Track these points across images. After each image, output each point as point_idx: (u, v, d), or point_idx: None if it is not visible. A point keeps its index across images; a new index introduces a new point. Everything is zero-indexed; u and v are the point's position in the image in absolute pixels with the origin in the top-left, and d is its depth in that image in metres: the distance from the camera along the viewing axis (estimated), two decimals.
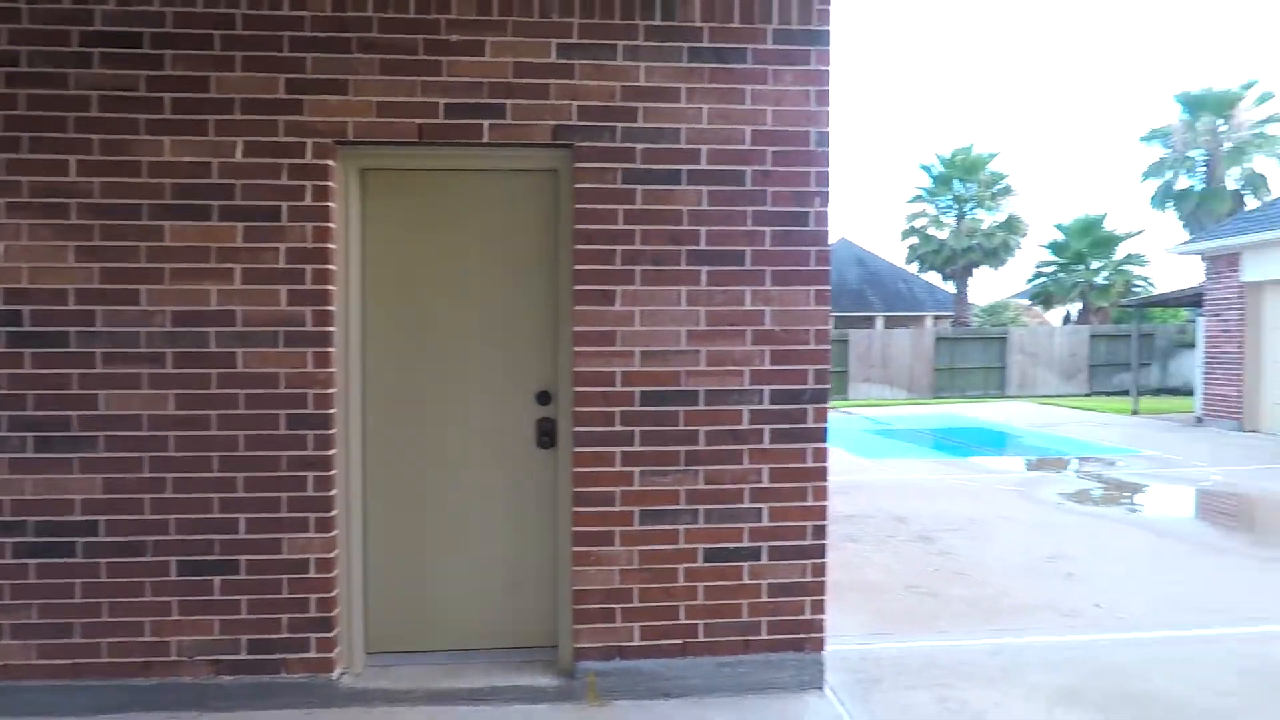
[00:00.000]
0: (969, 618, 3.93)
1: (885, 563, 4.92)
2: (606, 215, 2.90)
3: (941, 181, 24.27)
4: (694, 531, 2.99)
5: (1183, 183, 24.04)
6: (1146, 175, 24.50)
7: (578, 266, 2.90)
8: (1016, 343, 20.72)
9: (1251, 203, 21.55)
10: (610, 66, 2.88)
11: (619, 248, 2.91)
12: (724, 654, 3.03)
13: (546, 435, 3.09)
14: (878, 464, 8.88)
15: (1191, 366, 14.45)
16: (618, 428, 2.93)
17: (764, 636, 3.05)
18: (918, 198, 25.21)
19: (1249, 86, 22.58)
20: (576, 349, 2.92)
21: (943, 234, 24.23)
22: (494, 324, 3.11)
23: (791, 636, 3.07)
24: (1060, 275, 24.13)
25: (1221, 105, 22.70)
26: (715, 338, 2.95)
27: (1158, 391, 19.03)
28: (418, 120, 2.85)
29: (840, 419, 14.23)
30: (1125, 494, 7.18)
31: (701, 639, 3.02)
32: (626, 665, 2.98)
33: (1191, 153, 23.52)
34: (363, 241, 3.04)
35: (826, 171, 2.95)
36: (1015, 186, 24.12)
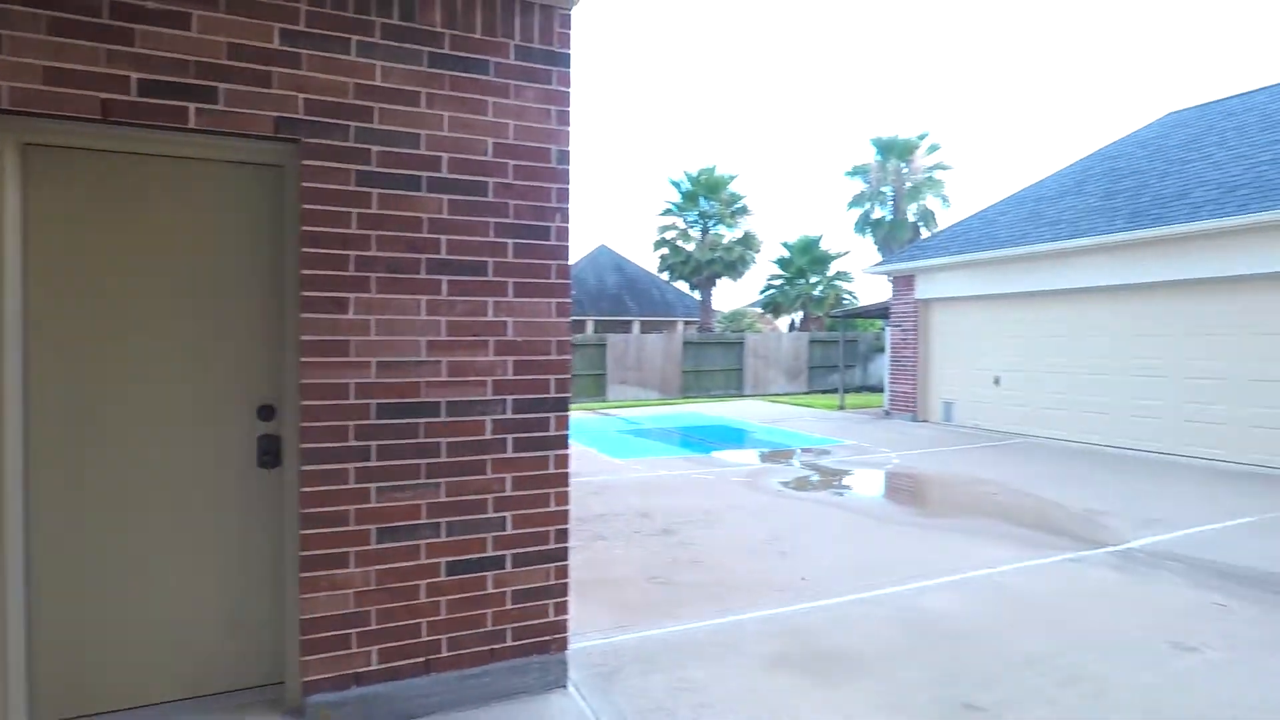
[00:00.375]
0: (701, 602, 4.32)
1: (630, 557, 5.22)
2: (338, 218, 2.74)
3: (689, 198, 26.37)
4: (436, 545, 2.94)
5: (877, 213, 28.62)
6: (850, 205, 28.84)
7: (305, 271, 2.71)
8: (751, 347, 23.13)
9: (924, 234, 26.34)
10: (342, 61, 2.73)
11: (352, 253, 2.76)
12: (469, 666, 3.02)
13: (269, 454, 2.83)
14: (628, 463, 9.37)
15: (882, 368, 17.28)
16: (352, 443, 2.78)
17: (510, 643, 3.09)
18: (668, 211, 27.10)
19: (923, 137, 27.58)
20: (305, 360, 2.71)
21: (690, 246, 26.30)
22: (206, 331, 2.78)
23: (537, 640, 3.14)
24: (786, 287, 27.47)
25: (904, 151, 27.45)
26: (457, 348, 2.92)
27: (860, 389, 22.42)
28: (102, 94, 2.46)
29: (597, 420, 14.79)
30: (831, 479, 8.37)
31: (446, 654, 2.98)
32: (364, 692, 2.84)
33: (884, 188, 28.09)
34: (24, 227, 2.55)
35: (567, 189, 3.07)
36: (752, 206, 27.23)
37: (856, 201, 28.73)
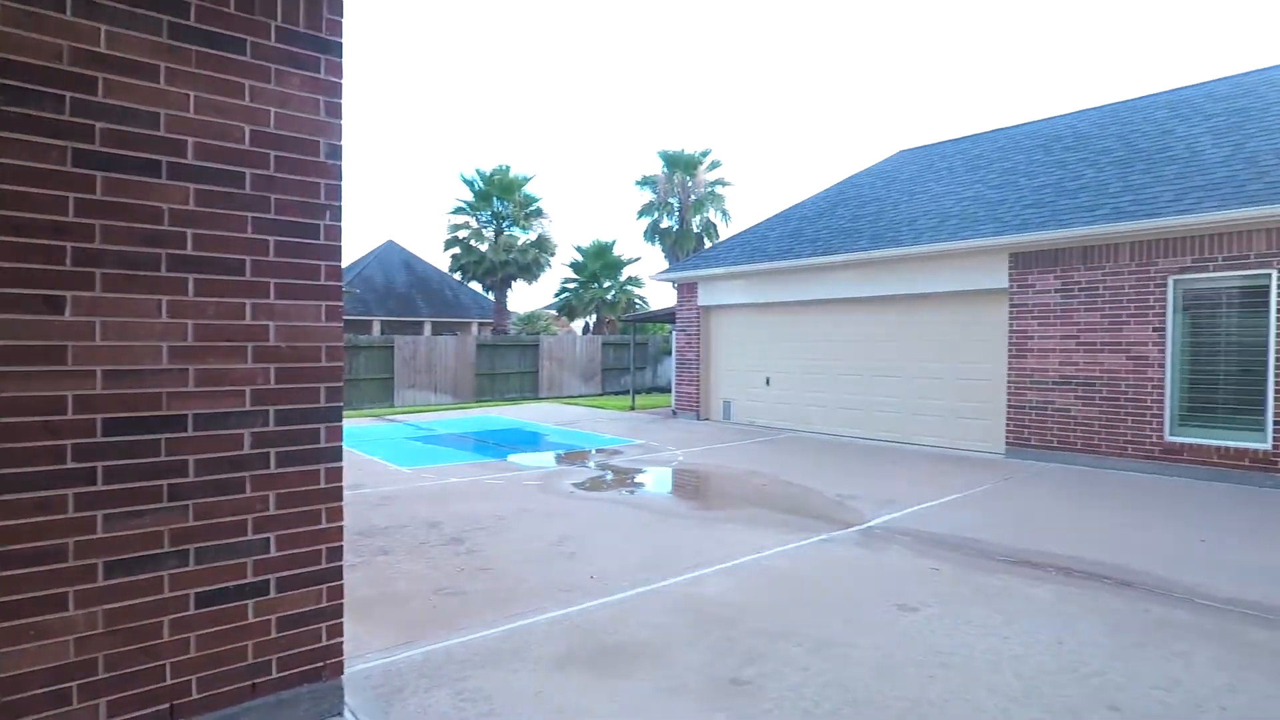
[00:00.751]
0: (489, 610, 4.28)
1: (416, 570, 5.02)
2: (50, 203, 2.34)
3: (482, 197, 25.89)
4: (183, 575, 2.62)
5: (665, 223, 30.19)
6: (640, 214, 30.12)
7: (2, 264, 2.28)
8: (547, 350, 23.26)
9: (708, 244, 28.23)
10: (52, 19, 2.34)
11: (70, 244, 2.38)
12: (227, 706, 2.72)
13: None
14: (417, 472, 9.00)
15: (670, 370, 18.26)
16: (70, 465, 2.39)
17: (275, 675, 2.84)
18: (460, 209, 26.38)
19: (705, 154, 29.57)
20: (1, 369, 2.28)
21: (483, 247, 25.81)
22: None
23: (308, 668, 2.92)
24: (580, 291, 27.99)
25: (689, 165, 29.24)
26: (208, 355, 2.63)
27: (650, 390, 23.46)
28: None
29: (384, 427, 14.00)
30: (622, 478, 8.68)
31: (195, 696, 2.66)
32: None
33: (670, 199, 29.68)
34: None
35: (339, 185, 2.90)
36: (547, 209, 27.35)
37: (646, 211, 30.07)
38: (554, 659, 3.60)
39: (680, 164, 29.15)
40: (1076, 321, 8.98)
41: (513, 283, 26.53)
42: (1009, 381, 9.64)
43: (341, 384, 2.93)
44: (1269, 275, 7.57)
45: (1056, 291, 9.14)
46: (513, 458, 10.21)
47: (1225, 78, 11.71)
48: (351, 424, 14.28)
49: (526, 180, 26.13)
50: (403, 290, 38.22)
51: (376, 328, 39.48)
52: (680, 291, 14.90)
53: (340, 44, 2.88)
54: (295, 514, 2.84)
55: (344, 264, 3.24)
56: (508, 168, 25.66)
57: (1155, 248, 8.31)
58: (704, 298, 14.25)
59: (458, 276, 27.42)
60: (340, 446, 2.97)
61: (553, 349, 23.47)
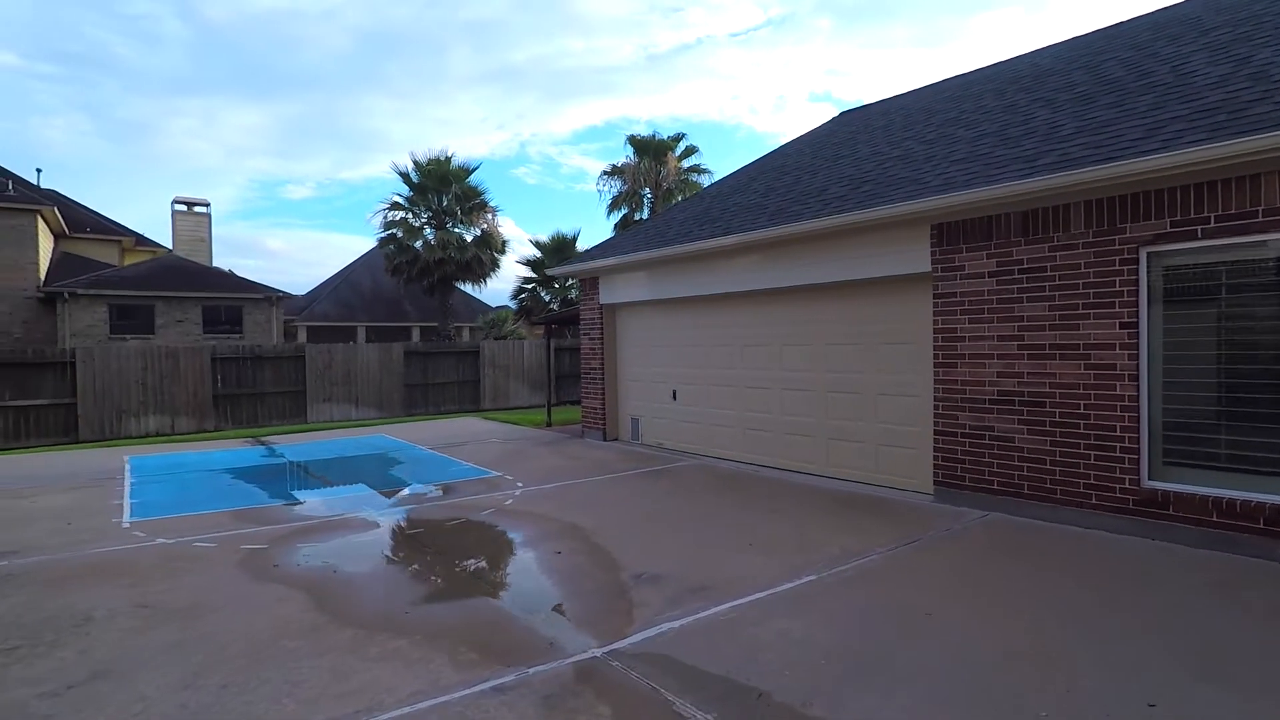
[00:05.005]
0: None
1: None
2: None
3: (419, 190, 23.63)
4: None
5: (639, 215, 27.78)
6: (610, 208, 27.75)
7: None
8: (489, 356, 21.06)
9: None
10: None
11: None
12: None
13: None
14: (150, 524, 6.90)
15: None
16: None
17: None
18: (396, 204, 24.20)
19: (678, 138, 27.12)
20: None
21: (418, 244, 23.57)
22: None
23: None
24: (539, 291, 25.70)
25: (659, 151, 26.78)
26: None
27: (579, 401, 21.08)
28: None
29: (218, 454, 11.87)
30: (380, 541, 6.41)
31: None
32: None
33: (642, 190, 27.27)
34: None
35: None
36: (501, 204, 25.07)
37: (617, 204, 27.70)
38: None
39: (650, 150, 26.74)
40: (1019, 316, 6.45)
41: (454, 284, 24.26)
42: (935, 398, 7.13)
43: None
44: None
45: (991, 275, 6.62)
46: (300, 503, 7.98)
47: None
48: (174, 449, 12.23)
49: (470, 170, 23.85)
50: (390, 295, 36.45)
51: (362, 334, 37.88)
52: (582, 288, 12.57)
53: None
54: None
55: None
56: (448, 156, 23.35)
57: (1119, 208, 5.76)
58: (605, 295, 11.89)
59: (391, 277, 25.19)
60: None
61: (496, 355, 21.26)
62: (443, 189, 22.95)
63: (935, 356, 7.09)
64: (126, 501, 8.13)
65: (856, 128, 11.48)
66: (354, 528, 6.83)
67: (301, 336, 33.37)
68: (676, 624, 4.25)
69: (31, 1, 69.33)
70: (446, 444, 12.35)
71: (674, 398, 10.85)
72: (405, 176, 23.27)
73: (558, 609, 4.64)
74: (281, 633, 4.32)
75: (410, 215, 23.55)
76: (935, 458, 7.14)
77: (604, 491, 8.23)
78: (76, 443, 15.13)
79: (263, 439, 14.19)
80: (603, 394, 12.13)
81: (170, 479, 9.66)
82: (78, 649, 4.12)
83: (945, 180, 6.95)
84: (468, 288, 25.44)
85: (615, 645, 3.98)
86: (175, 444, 13.92)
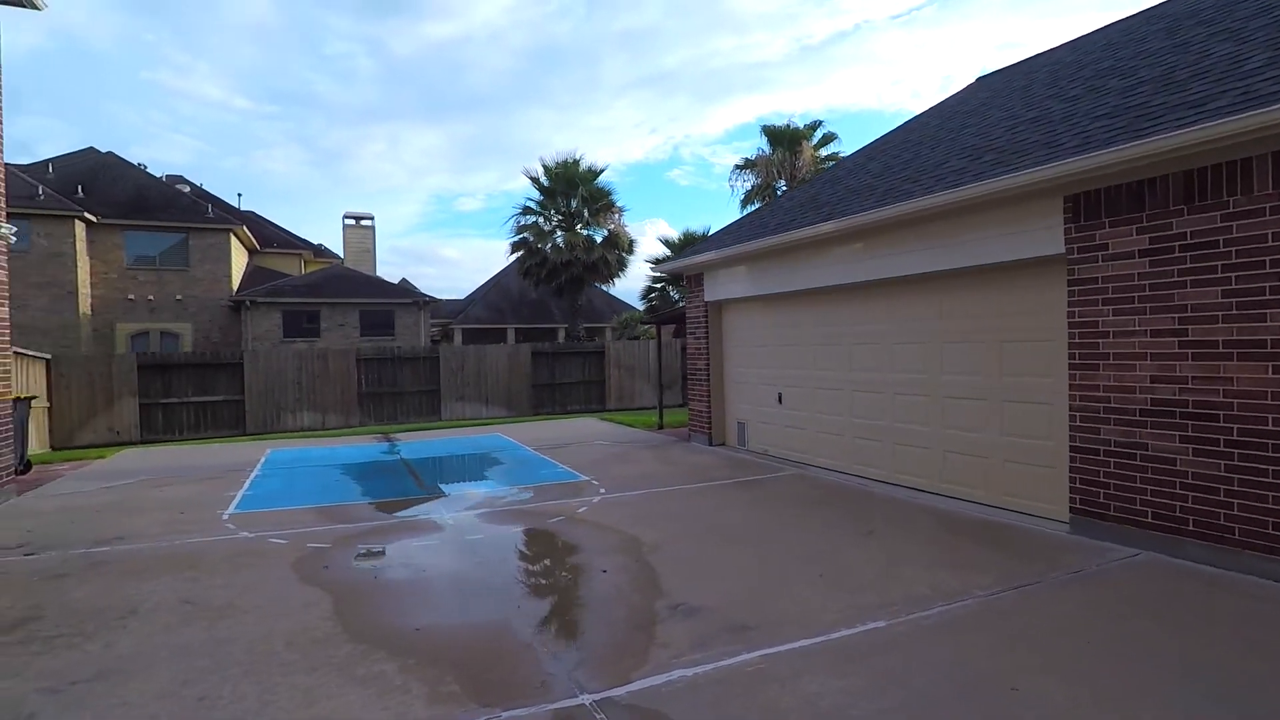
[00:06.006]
0: None
1: None
2: None
3: (548, 193, 23.96)
4: None
5: None
6: (744, 203, 26.75)
7: None
8: (614, 357, 20.99)
9: None
10: None
11: None
12: None
13: None
14: (244, 517, 7.20)
15: None
16: None
17: None
18: (528, 207, 24.71)
19: (815, 125, 25.66)
20: None
21: (546, 247, 23.91)
22: None
23: None
24: (668, 290, 25.32)
25: (794, 140, 25.46)
26: None
27: None
28: None
29: (343, 449, 12.51)
30: (447, 546, 6.23)
31: None
32: None
33: (776, 182, 26.08)
34: None
35: None
36: (628, 203, 24.97)
37: (750, 198, 26.68)
38: None
39: (784, 140, 25.48)
40: (1180, 305, 5.09)
41: (583, 284, 24.39)
42: (1072, 407, 5.85)
43: None
44: None
45: (1143, 255, 5.29)
46: (383, 502, 8.08)
47: None
48: (313, 444, 13.02)
49: (598, 172, 23.90)
50: (536, 298, 37.90)
51: (511, 336, 39.65)
52: (688, 285, 11.98)
53: None
54: None
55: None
56: (576, 159, 23.55)
57: None
58: (710, 291, 11.24)
59: (527, 281, 25.77)
60: None
61: (621, 356, 21.15)
62: (571, 191, 23.22)
63: (1071, 357, 5.81)
64: (239, 494, 8.66)
65: (995, 90, 9.96)
66: (420, 531, 6.74)
67: (457, 339, 35.40)
68: (691, 672, 3.60)
69: (257, 50, 79.58)
70: (553, 445, 12.26)
71: (779, 401, 10.00)
72: (535, 181, 23.82)
73: (571, 639, 4.15)
74: (290, 642, 4.16)
75: (541, 219, 24.06)
76: (1072, 479, 5.87)
77: (684, 502, 7.62)
78: (244, 435, 16.76)
79: (390, 435, 14.92)
80: (708, 396, 11.49)
81: (287, 473, 10.26)
82: (105, 642, 4.19)
83: (1083, 139, 5.66)
84: (605, 288, 25.65)
85: (610, 692, 3.42)
86: (317, 439, 14.98)
